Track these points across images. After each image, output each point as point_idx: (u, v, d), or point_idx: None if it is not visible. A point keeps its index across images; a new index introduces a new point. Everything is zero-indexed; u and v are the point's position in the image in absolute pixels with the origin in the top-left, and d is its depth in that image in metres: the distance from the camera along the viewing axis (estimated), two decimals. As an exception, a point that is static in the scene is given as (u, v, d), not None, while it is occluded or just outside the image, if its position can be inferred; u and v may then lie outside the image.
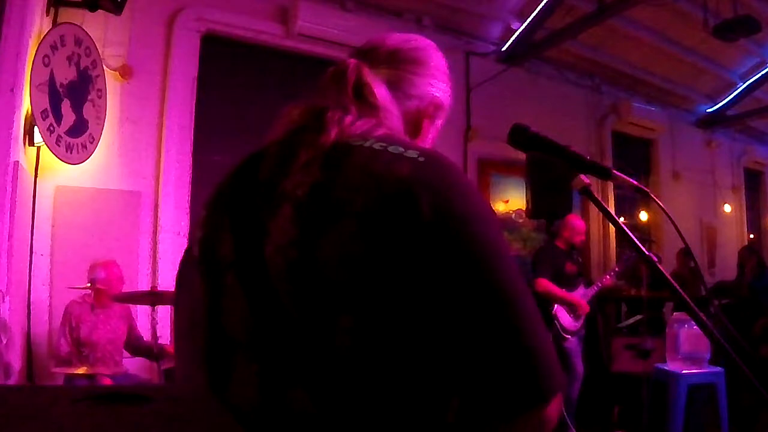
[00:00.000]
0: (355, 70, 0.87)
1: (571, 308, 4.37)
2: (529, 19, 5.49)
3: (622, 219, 6.27)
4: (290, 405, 0.73)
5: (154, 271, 4.13)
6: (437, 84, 0.95)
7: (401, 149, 0.76)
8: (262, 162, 0.83)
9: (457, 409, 0.74)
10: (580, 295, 4.44)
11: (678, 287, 0.92)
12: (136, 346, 3.58)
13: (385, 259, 0.69)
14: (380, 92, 0.86)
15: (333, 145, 0.78)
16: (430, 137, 0.96)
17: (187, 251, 0.91)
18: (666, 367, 3.80)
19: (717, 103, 7.79)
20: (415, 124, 0.93)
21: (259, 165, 0.83)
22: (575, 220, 4.55)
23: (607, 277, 4.81)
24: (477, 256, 0.71)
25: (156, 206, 4.17)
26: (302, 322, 0.73)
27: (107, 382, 3.00)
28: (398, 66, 0.91)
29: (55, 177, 3.76)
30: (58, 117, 3.48)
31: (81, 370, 2.92)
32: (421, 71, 0.93)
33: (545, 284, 4.27)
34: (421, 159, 0.74)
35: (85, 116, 3.72)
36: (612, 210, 1.36)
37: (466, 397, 0.73)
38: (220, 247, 0.82)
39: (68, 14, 3.74)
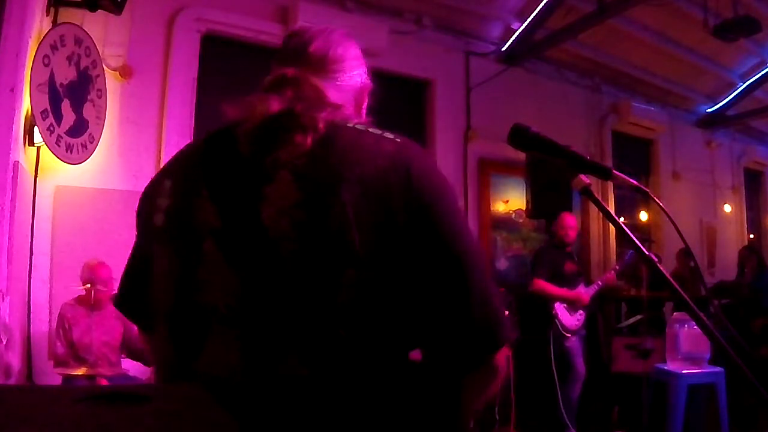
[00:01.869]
0: (306, 80, 0.95)
1: (571, 304, 4.37)
2: (529, 19, 5.49)
3: (622, 219, 6.26)
4: (280, 368, 0.77)
5: (154, 271, 4.12)
6: (360, 69, 1.05)
7: (379, 131, 0.90)
8: (240, 139, 0.89)
9: (423, 359, 0.86)
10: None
11: (678, 287, 0.92)
12: (131, 347, 3.57)
13: (384, 219, 0.81)
14: (332, 95, 0.96)
15: (325, 124, 0.87)
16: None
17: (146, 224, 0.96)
18: (666, 367, 3.80)
19: (717, 103, 7.78)
20: (358, 110, 1.05)
21: (235, 142, 0.89)
22: (565, 216, 4.55)
23: (607, 275, 4.81)
24: (447, 220, 0.86)
25: (156, 206, 4.16)
26: (305, 282, 0.79)
27: (105, 384, 2.99)
28: (332, 67, 1.00)
29: (55, 177, 3.75)
30: (58, 117, 3.48)
31: (80, 372, 2.92)
32: (348, 66, 1.03)
33: (542, 284, 4.28)
34: (399, 140, 0.90)
35: (85, 116, 3.71)
36: (612, 210, 1.36)
37: (429, 347, 0.86)
38: (196, 215, 0.85)
39: (68, 14, 3.74)
